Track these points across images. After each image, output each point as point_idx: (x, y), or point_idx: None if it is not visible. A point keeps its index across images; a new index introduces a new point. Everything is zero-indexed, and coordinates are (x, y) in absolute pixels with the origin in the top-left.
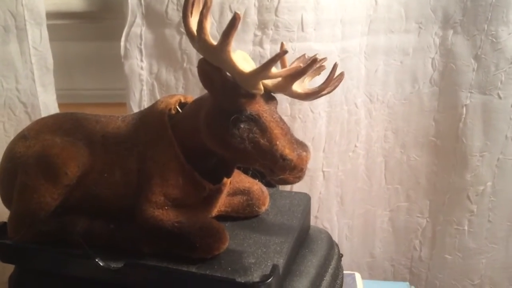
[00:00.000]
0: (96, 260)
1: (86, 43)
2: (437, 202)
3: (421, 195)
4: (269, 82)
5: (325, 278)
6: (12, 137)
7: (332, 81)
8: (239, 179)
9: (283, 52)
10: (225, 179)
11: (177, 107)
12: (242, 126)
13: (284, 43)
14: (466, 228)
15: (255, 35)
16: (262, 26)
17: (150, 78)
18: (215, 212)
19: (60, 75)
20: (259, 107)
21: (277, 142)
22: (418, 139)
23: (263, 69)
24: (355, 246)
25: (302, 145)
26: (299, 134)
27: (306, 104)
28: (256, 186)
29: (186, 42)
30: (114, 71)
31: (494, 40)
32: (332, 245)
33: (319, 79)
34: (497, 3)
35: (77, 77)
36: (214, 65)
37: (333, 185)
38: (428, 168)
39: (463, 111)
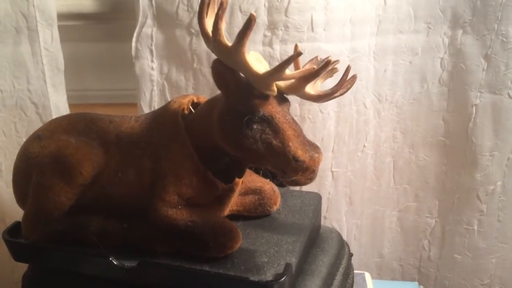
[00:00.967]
0: (110, 259)
1: (97, 43)
2: (447, 202)
3: (430, 195)
4: (282, 83)
5: (336, 277)
6: (23, 138)
7: (345, 83)
8: (251, 179)
9: (297, 54)
10: (237, 179)
11: (190, 107)
12: (255, 127)
13: (298, 44)
14: (475, 227)
15: (265, 36)
16: (272, 26)
17: (161, 79)
18: (227, 211)
19: (71, 76)
20: (272, 108)
21: (290, 144)
22: (427, 139)
23: (277, 71)
24: (363, 246)
25: (314, 147)
26: (308, 135)
27: (315, 104)
28: (267, 185)
29: (196, 43)
30: (125, 72)
31: (504, 39)
32: (342, 245)
33: (330, 81)
34: (507, 3)
35: (88, 77)
36: (228, 66)
37: (342, 185)
38: (437, 168)
39: (473, 110)
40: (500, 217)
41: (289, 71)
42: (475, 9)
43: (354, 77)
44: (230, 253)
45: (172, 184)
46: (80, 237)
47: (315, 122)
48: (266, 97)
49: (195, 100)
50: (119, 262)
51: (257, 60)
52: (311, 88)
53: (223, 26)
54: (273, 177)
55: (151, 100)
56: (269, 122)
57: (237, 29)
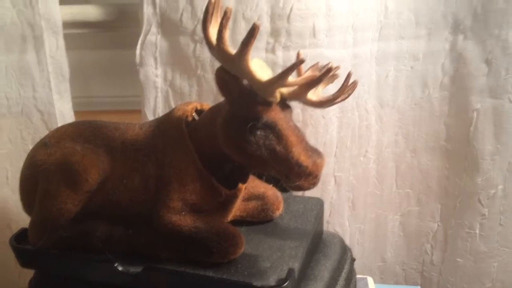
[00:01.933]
0: (115, 265)
1: (101, 51)
2: (449, 206)
3: (432, 199)
4: (284, 90)
5: (339, 282)
6: (29, 145)
7: (346, 89)
8: (254, 184)
9: (300, 61)
10: (240, 185)
11: (194, 114)
12: (258, 133)
13: (301, 51)
14: (477, 231)
15: (268, 42)
16: (275, 33)
17: (165, 85)
18: (230, 217)
19: (76, 83)
20: (275, 114)
21: (293, 149)
22: (428, 143)
23: (280, 78)
24: (366, 250)
25: (317, 152)
26: (310, 140)
27: (317, 110)
28: (270, 191)
29: (200, 50)
30: (129, 79)
31: (504, 44)
32: (345, 249)
33: (331, 87)
34: (508, 8)
35: (92, 85)
36: (231, 73)
37: (345, 189)
38: (439, 172)
39: (474, 115)
40: (501, 220)
41: (292, 78)
42: (476, 14)
43: (355, 82)
44: (234, 258)
45: (176, 191)
46: (86, 243)
47: (317, 127)
48: (269, 104)
49: (199, 107)
50: (124, 268)
51: (260, 67)
52: (313, 94)
53: (227, 34)
54: (276, 183)
55: (155, 106)
56: (272, 128)
57: (240, 36)
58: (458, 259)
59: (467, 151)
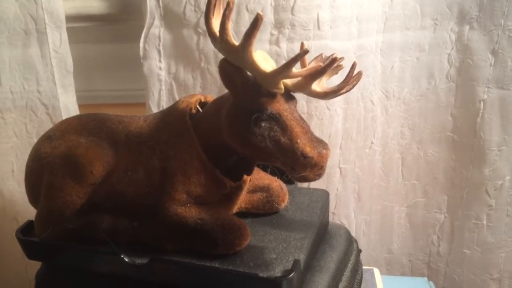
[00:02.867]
0: (121, 256)
1: (105, 45)
2: (455, 197)
3: (439, 190)
4: (288, 81)
5: (345, 273)
6: (34, 138)
7: (351, 79)
8: (258, 176)
9: (304, 52)
10: (245, 177)
11: (198, 106)
12: (263, 125)
13: (304, 42)
14: (484, 222)
15: (272, 34)
16: (279, 25)
17: (169, 78)
18: (235, 209)
19: (80, 77)
20: (279, 106)
21: (298, 140)
22: (435, 135)
23: (284, 69)
24: (372, 242)
25: (322, 143)
26: (316, 132)
27: (322, 101)
28: (275, 183)
29: (203, 42)
30: (133, 72)
31: (511, 35)
32: (351, 241)
33: (335, 78)
34: None
35: (96, 78)
36: (235, 65)
37: (350, 181)
38: (446, 164)
39: (481, 106)
40: (509, 211)
41: (296, 69)
42: (482, 4)
43: (359, 73)
44: (239, 250)
45: (181, 183)
46: (91, 235)
47: (322, 119)
48: (273, 95)
49: (203, 100)
50: (130, 259)
51: (264, 59)
52: (317, 86)
53: (230, 26)
54: (281, 175)
55: (159, 99)
56: (277, 119)
57: (244, 28)
58: (465, 250)
59: (474, 142)
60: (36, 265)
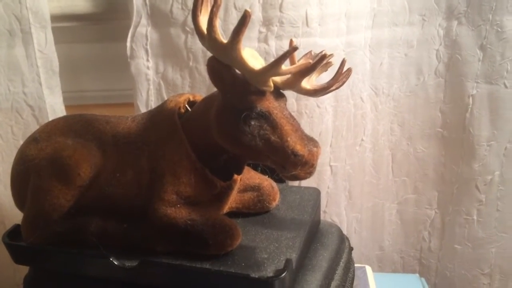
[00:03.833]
0: (111, 259)
1: (91, 44)
2: (446, 192)
3: (429, 186)
4: (278, 79)
5: (337, 272)
6: (20, 140)
7: (340, 76)
8: (249, 176)
9: (293, 48)
10: (235, 176)
11: (186, 105)
12: (252, 123)
13: (294, 40)
14: (475, 217)
15: (260, 32)
16: (267, 22)
17: (157, 78)
18: (226, 209)
19: (66, 78)
20: (269, 104)
21: (288, 139)
22: (424, 131)
23: (273, 66)
24: (364, 239)
25: (312, 141)
26: (306, 130)
27: (312, 99)
28: (266, 182)
29: (191, 41)
30: (121, 72)
31: (499, 29)
32: (342, 239)
33: (325, 76)
34: None
35: (83, 78)
36: (223, 63)
37: (341, 179)
38: (436, 160)
39: (470, 101)
40: (499, 206)
41: (285, 66)
42: (469, 0)
43: (349, 70)
44: (230, 250)
45: (170, 183)
46: (79, 239)
47: (312, 117)
48: (262, 93)
49: (191, 99)
50: (119, 262)
51: (252, 57)
52: (307, 83)
53: (218, 23)
54: (271, 173)
55: (147, 99)
56: (266, 117)
57: (231, 26)
58: (456, 246)
59: (463, 138)
60: (24, 269)
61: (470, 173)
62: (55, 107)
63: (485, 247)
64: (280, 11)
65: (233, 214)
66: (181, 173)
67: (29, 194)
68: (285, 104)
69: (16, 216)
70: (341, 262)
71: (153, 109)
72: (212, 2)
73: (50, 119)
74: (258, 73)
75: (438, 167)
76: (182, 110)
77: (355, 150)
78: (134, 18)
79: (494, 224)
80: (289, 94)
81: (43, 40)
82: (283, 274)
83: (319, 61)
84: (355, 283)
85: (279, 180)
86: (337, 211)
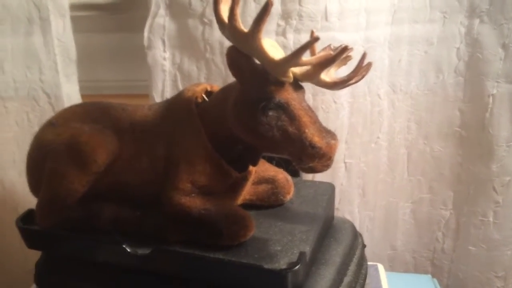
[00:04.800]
0: (123, 246)
1: (109, 34)
2: (461, 193)
3: (445, 186)
4: (297, 70)
5: (350, 267)
6: (36, 128)
7: (360, 70)
8: (264, 168)
9: (314, 39)
10: (250, 167)
11: (204, 95)
12: (270, 113)
13: (314, 30)
14: (491, 219)
15: (278, 25)
16: (286, 16)
17: (173, 69)
18: (240, 200)
19: (83, 67)
20: (288, 95)
21: (306, 130)
22: (442, 130)
23: (294, 57)
24: (376, 238)
25: (330, 134)
26: None
27: (328, 95)
28: (281, 175)
29: (209, 33)
30: (137, 62)
31: None
32: (356, 235)
33: (342, 70)
34: None
35: (100, 68)
36: (243, 52)
37: (355, 176)
38: (453, 159)
39: (490, 100)
40: None
41: (305, 57)
42: None
43: (369, 64)
44: (243, 241)
45: (186, 172)
46: (93, 225)
47: (328, 112)
48: (281, 84)
49: (209, 89)
50: (132, 250)
51: (272, 47)
52: (326, 75)
53: (239, 12)
54: (286, 166)
55: (163, 90)
56: (284, 108)
57: (250, 19)
58: (471, 247)
59: (482, 138)
60: (35, 256)
61: (487, 174)
62: (71, 95)
63: (501, 249)
64: (300, 4)
65: (247, 206)
66: (196, 162)
67: (45, 178)
68: (304, 96)
69: (30, 202)
70: (354, 258)
71: (170, 98)
72: None
73: None
74: (278, 63)
75: (455, 167)
76: (199, 100)
77: (370, 148)
78: (152, 9)
79: (511, 226)
80: (306, 88)
81: (61, 28)
82: (297, 267)
83: (340, 53)
84: (367, 280)
85: (293, 173)
86: (350, 208)
